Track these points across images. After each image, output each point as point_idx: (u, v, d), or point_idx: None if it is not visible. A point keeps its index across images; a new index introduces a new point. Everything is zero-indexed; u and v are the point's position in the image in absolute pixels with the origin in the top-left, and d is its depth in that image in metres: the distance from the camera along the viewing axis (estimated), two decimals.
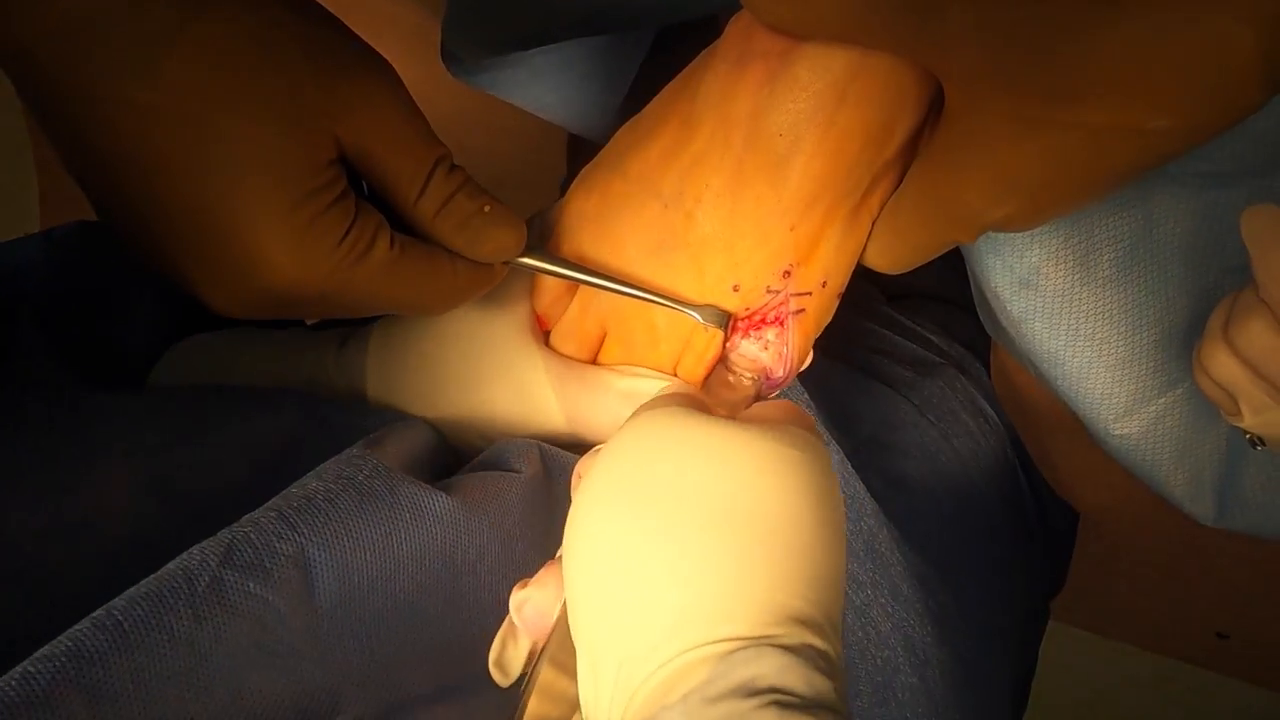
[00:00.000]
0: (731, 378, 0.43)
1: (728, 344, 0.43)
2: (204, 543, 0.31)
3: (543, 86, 0.75)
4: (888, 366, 0.65)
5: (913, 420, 0.62)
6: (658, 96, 0.43)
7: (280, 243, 0.34)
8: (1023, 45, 0.31)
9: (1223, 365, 0.40)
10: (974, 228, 0.38)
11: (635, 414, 0.36)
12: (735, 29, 0.39)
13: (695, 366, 0.44)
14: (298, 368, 0.48)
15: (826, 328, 0.44)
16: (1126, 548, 1.36)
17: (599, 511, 0.32)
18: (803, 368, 0.44)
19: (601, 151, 0.44)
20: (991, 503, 0.64)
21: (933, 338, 0.70)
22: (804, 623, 0.29)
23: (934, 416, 0.63)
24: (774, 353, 0.42)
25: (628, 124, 0.44)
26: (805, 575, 0.30)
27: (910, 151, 0.41)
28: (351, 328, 0.50)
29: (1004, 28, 0.31)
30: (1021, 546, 0.67)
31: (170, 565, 0.30)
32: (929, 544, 0.55)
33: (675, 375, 0.45)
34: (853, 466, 0.51)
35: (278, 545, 0.32)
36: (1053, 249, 0.44)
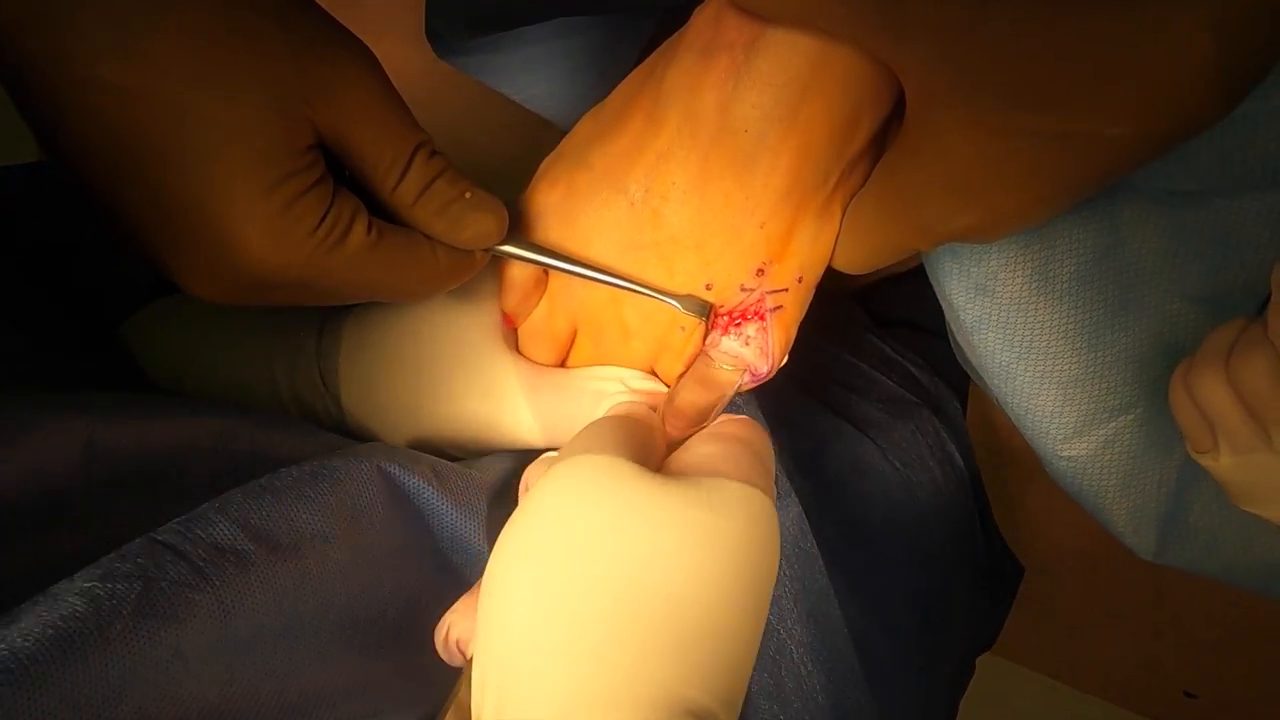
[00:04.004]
0: (710, 374, 0.42)
1: (707, 341, 0.42)
2: (116, 583, 0.30)
3: (531, 76, 0.74)
4: (860, 406, 0.64)
5: (878, 467, 0.61)
6: (623, 83, 0.42)
7: (255, 227, 0.33)
8: (977, 44, 0.30)
9: (1214, 392, 0.39)
10: (932, 236, 0.37)
11: (566, 459, 0.34)
12: (701, 18, 0.38)
13: (674, 364, 0.43)
14: (276, 350, 0.48)
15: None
16: (1099, 600, 1.35)
17: (513, 570, 0.31)
18: (784, 360, 0.44)
19: (564, 140, 0.43)
20: (947, 555, 0.64)
21: (914, 371, 0.69)
22: (695, 714, 0.28)
23: (900, 463, 0.62)
24: (755, 348, 0.41)
25: (590, 111, 0.43)
26: (706, 663, 0.29)
27: (879, 145, 0.40)
28: (331, 310, 0.49)
29: (959, 26, 0.30)
30: (968, 600, 0.66)
31: (80, 605, 0.28)
32: (879, 600, 0.54)
33: (653, 374, 0.44)
34: (815, 510, 0.50)
35: (191, 596, 0.31)
36: (1011, 255, 0.43)
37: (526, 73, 0.73)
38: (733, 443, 0.36)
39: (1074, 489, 0.48)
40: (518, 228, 0.43)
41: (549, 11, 0.58)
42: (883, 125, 0.38)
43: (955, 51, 0.30)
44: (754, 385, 0.43)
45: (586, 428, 0.37)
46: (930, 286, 0.48)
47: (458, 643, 0.35)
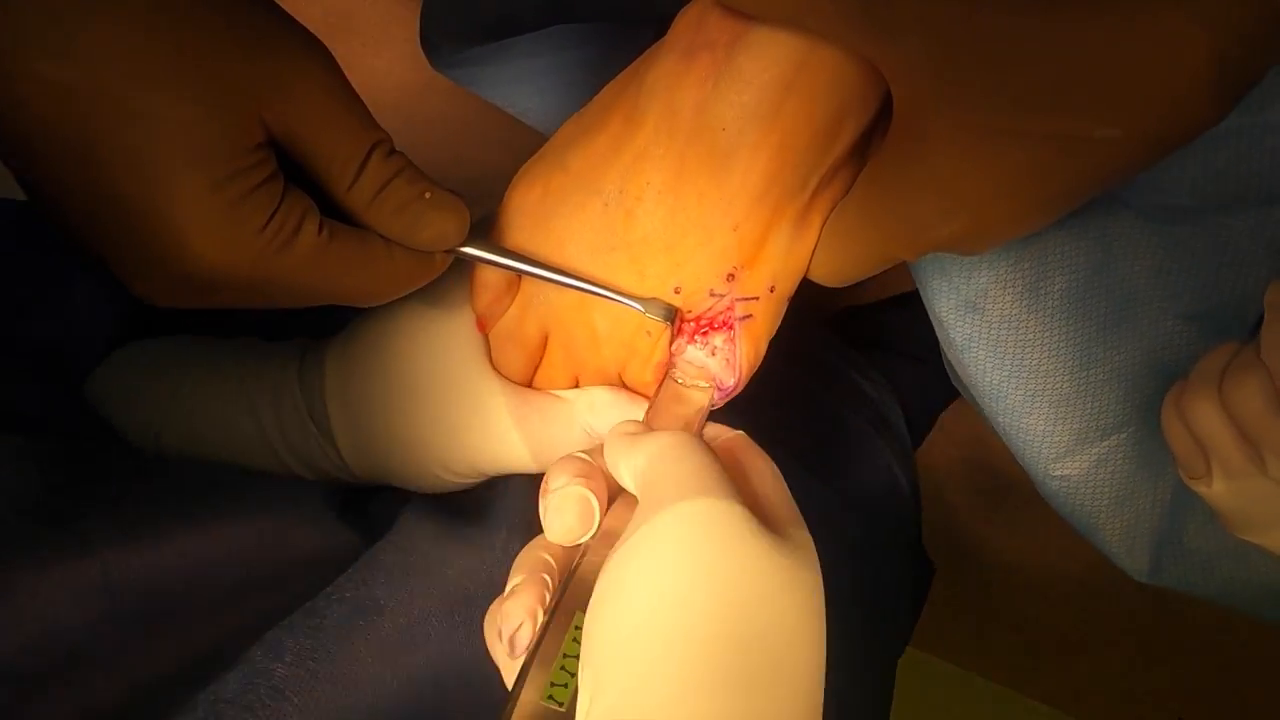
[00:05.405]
0: (682, 390, 0.41)
1: (673, 347, 0.41)
2: None
3: (525, 89, 0.73)
4: (798, 438, 0.64)
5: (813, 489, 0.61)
6: (605, 87, 0.41)
7: (199, 226, 0.32)
8: (966, 43, 0.29)
9: (1207, 416, 0.38)
10: (917, 244, 0.36)
11: (687, 501, 0.32)
12: (685, 19, 0.37)
13: (641, 371, 0.42)
14: (258, 393, 0.47)
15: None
16: (1092, 626, 1.35)
17: (647, 611, 0.30)
18: (753, 374, 0.42)
19: (546, 143, 0.43)
20: (879, 549, 0.63)
21: (865, 386, 0.69)
22: None
23: (839, 479, 0.62)
24: (721, 359, 0.40)
25: (574, 116, 0.42)
26: (809, 699, 0.30)
27: (861, 156, 0.39)
28: (309, 341, 0.48)
29: (949, 24, 0.29)
30: (896, 599, 0.66)
31: None
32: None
33: (621, 383, 0.43)
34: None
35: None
36: (1002, 272, 0.42)
37: (520, 85, 0.73)
38: (772, 480, 0.36)
39: (1066, 509, 0.47)
40: (489, 230, 0.42)
41: (543, 20, 0.58)
42: (865, 134, 0.38)
43: (944, 50, 0.30)
44: (723, 400, 0.42)
45: (683, 456, 0.34)
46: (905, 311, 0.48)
47: (512, 638, 0.34)
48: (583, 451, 0.38)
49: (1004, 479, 1.25)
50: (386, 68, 1.41)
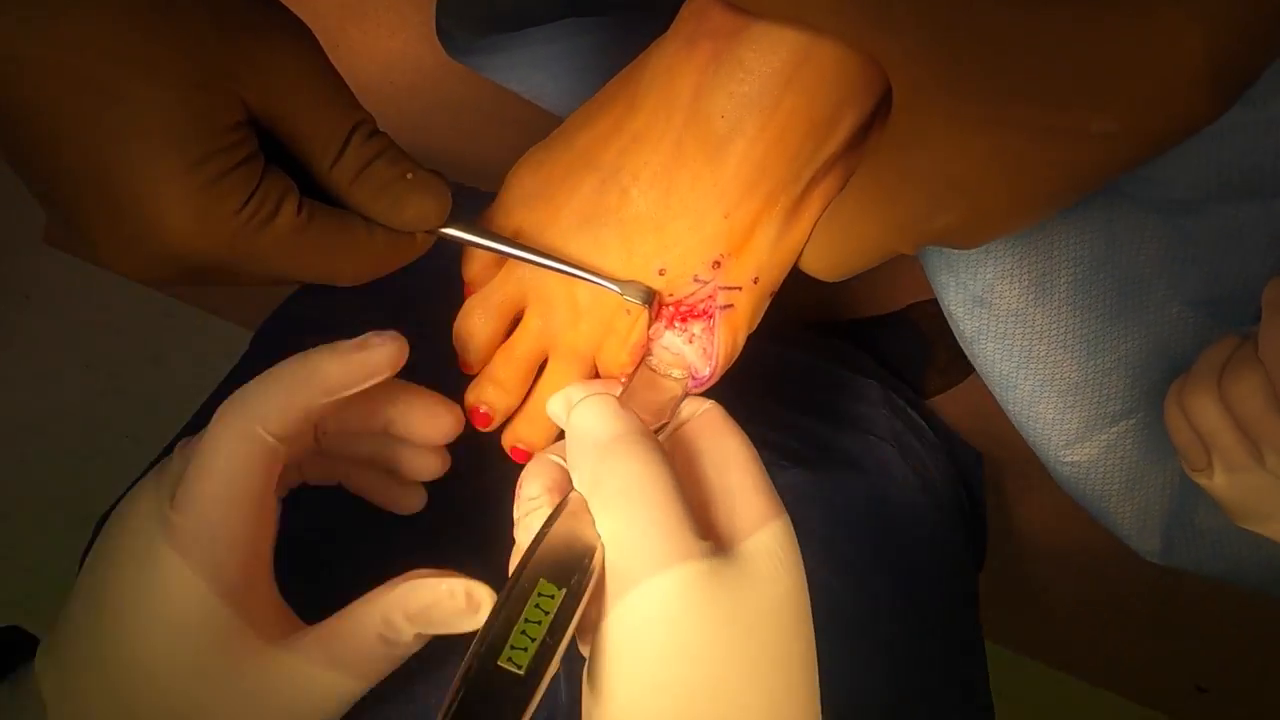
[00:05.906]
0: (657, 378, 0.41)
1: (650, 331, 0.41)
2: None
3: (540, 75, 0.74)
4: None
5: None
6: (613, 78, 0.42)
7: (177, 205, 0.33)
8: (964, 34, 0.30)
9: (1206, 411, 0.39)
10: (914, 235, 0.36)
11: (656, 576, 0.33)
12: (690, 9, 0.38)
13: (618, 351, 0.42)
14: None
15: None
16: (1110, 594, 1.35)
17: (655, 688, 0.32)
18: (729, 367, 0.42)
19: (555, 130, 0.43)
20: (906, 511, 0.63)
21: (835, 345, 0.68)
22: None
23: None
24: (698, 348, 0.41)
25: (582, 105, 0.43)
26: (810, 685, 0.32)
27: (857, 151, 0.39)
28: None
29: (947, 15, 0.30)
30: (941, 534, 0.65)
31: None
32: (832, 548, 0.53)
33: (594, 365, 0.43)
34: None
35: None
36: (1007, 266, 0.43)
37: (535, 71, 0.73)
38: (744, 464, 0.36)
39: (1078, 494, 0.48)
40: (479, 208, 0.43)
41: (559, 12, 0.58)
42: (862, 129, 0.38)
43: (943, 41, 0.30)
44: (697, 389, 0.42)
45: (641, 506, 0.34)
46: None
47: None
48: (554, 454, 0.38)
49: (1017, 448, 1.24)
50: (402, 49, 1.41)
